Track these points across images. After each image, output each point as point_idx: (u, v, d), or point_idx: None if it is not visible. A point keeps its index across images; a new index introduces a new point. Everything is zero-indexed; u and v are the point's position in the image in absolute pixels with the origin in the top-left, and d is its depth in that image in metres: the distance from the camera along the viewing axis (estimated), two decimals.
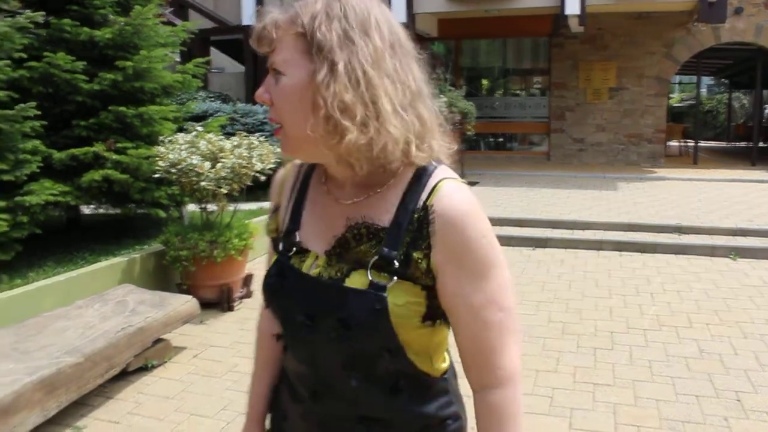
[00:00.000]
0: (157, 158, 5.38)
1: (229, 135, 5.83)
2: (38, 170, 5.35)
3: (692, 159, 15.94)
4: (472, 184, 11.70)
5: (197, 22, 7.41)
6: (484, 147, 16.69)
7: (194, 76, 6.92)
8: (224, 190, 5.20)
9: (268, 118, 1.24)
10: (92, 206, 6.65)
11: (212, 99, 10.33)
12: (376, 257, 1.13)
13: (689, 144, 18.20)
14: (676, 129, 18.86)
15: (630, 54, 14.82)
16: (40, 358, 3.51)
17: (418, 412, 1.23)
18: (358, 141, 1.08)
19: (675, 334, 4.92)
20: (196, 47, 8.58)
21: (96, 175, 5.59)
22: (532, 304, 5.63)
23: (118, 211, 6.55)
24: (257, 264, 6.99)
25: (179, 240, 5.36)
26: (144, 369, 4.36)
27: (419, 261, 1.13)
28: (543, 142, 16.19)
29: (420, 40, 15.68)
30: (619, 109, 15.11)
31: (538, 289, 6.09)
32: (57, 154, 5.60)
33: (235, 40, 11.92)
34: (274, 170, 6.51)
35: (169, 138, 5.60)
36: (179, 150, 5.26)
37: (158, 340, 4.44)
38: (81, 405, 3.85)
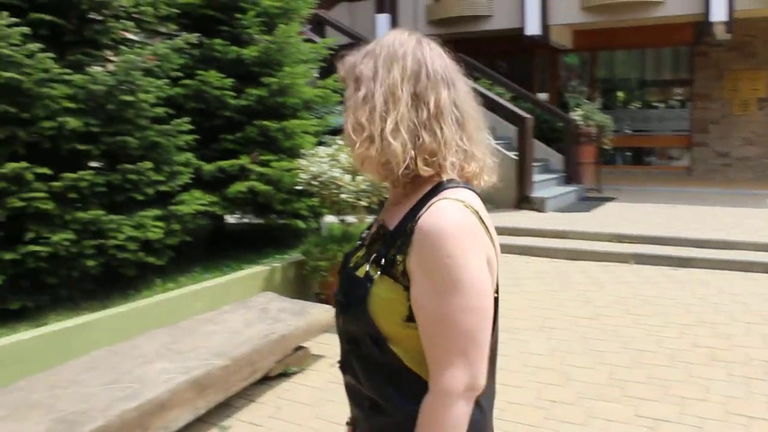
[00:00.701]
0: (298, 170, 5.57)
1: None
2: (190, 181, 5.67)
3: None
4: (608, 199, 11.34)
5: (335, 39, 7.60)
6: (620, 161, 16.14)
7: (334, 91, 7.12)
8: (363, 203, 5.31)
9: None
10: (236, 216, 6.95)
11: None
12: (375, 254, 1.37)
13: None
14: None
15: None
16: (192, 359, 3.70)
17: (409, 410, 1.33)
18: (368, 152, 1.34)
19: None
20: (331, 63, 8.78)
21: (241, 186, 5.85)
22: (675, 327, 5.36)
23: (260, 221, 6.83)
24: None
25: (319, 251, 5.51)
26: (284, 375, 4.51)
27: (399, 263, 1.31)
28: (683, 156, 15.47)
29: (554, 52, 15.41)
30: None
31: (682, 311, 5.80)
32: (206, 167, 5.90)
33: None
34: None
35: (311, 151, 5.79)
36: (320, 163, 5.41)
37: (298, 348, 4.58)
38: (226, 406, 4.02)
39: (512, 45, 14.69)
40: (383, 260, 1.35)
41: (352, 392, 1.49)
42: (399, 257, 1.31)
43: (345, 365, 1.49)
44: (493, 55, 16.10)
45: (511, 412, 3.92)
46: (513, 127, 11.15)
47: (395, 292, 1.32)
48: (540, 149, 11.87)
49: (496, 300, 1.38)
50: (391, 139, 1.32)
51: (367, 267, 1.38)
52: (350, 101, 1.38)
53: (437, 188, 1.36)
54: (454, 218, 1.28)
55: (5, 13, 4.23)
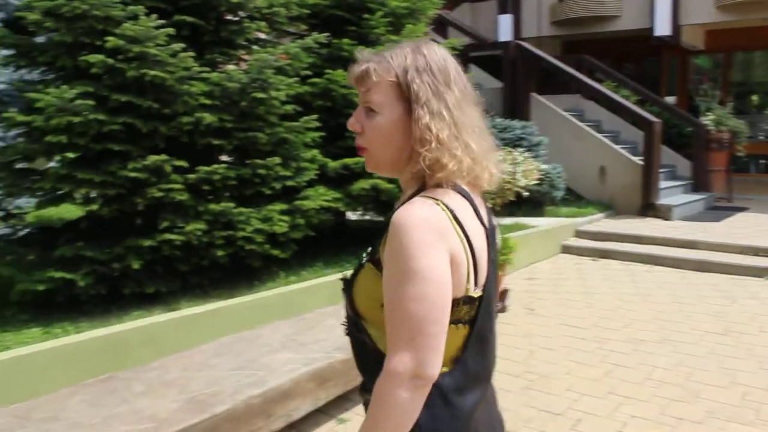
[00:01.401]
0: None
1: None
2: (315, 177, 5.80)
3: None
4: (739, 209, 10.72)
5: (459, 40, 7.58)
6: (754, 169, 15.21)
7: None
8: (488, 204, 5.24)
9: (356, 144, 1.50)
10: (358, 212, 7.05)
11: None
12: (371, 246, 1.48)
13: None
14: None
15: None
16: (315, 351, 3.78)
17: None
18: (449, 166, 1.40)
19: None
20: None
21: (365, 183, 5.93)
22: None
23: (381, 218, 6.89)
24: (513, 279, 6.99)
25: None
26: None
27: (379, 252, 1.42)
28: None
29: (684, 53, 14.75)
30: None
31: None
32: (331, 164, 6.02)
33: (492, 56, 12.05)
34: (539, 185, 6.49)
35: None
36: None
37: None
38: (345, 399, 4.07)
39: (639, 46, 14.18)
40: (371, 249, 1.48)
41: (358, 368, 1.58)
42: (380, 247, 1.42)
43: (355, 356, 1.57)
44: (619, 57, 15.57)
45: (633, 427, 3.77)
46: (639, 131, 10.75)
47: (375, 279, 1.41)
48: (667, 155, 11.37)
49: (481, 299, 1.43)
50: (467, 152, 1.44)
51: (366, 258, 1.49)
52: (423, 119, 1.42)
53: (424, 188, 1.44)
54: (419, 214, 1.34)
55: (153, 16, 4.47)
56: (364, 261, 1.48)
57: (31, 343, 3.95)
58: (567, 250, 8.68)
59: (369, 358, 1.46)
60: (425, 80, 1.42)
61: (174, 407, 3.03)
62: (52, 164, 4.90)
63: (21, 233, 5.90)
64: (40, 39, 4.94)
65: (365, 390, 1.48)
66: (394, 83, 1.43)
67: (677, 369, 4.61)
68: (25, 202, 6.82)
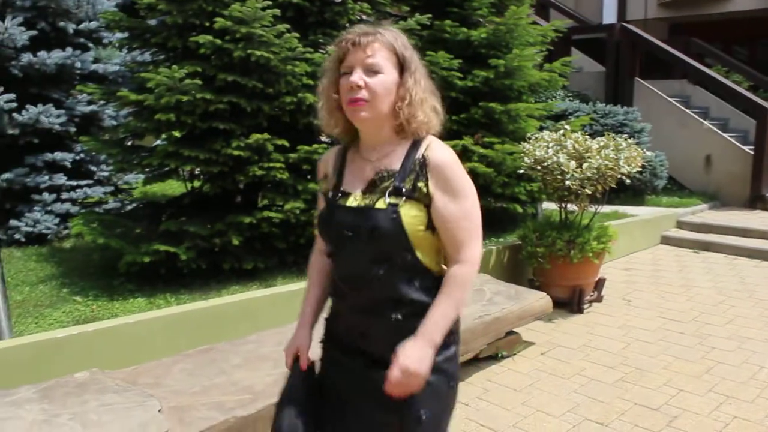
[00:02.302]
0: (522, 154, 5.49)
1: (589, 135, 5.72)
2: None
3: None
4: None
5: (561, 21, 7.39)
6: None
7: (561, 75, 6.93)
8: (588, 191, 5.12)
9: (356, 97, 1.79)
10: None
11: (571, 98, 10.26)
12: (391, 188, 1.82)
13: None
14: None
15: None
16: None
17: (425, 299, 1.85)
18: (421, 119, 1.84)
19: None
20: (557, 46, 8.56)
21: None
22: None
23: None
24: (610, 268, 6.81)
25: (537, 237, 5.41)
26: (494, 358, 4.49)
27: (422, 188, 1.81)
28: None
29: None
30: None
31: None
32: None
33: (595, 40, 11.70)
34: (641, 173, 6.27)
35: (535, 135, 5.68)
36: (546, 147, 5.30)
37: (510, 332, 4.54)
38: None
39: (755, 28, 13.44)
40: (404, 189, 1.81)
41: (370, 304, 1.89)
42: (420, 184, 1.81)
43: (360, 285, 1.88)
44: (730, 41, 14.83)
45: (736, 427, 3.61)
46: (750, 119, 10.22)
47: (419, 210, 1.81)
48: None
49: None
50: (432, 108, 1.89)
51: (386, 199, 1.81)
52: (409, 81, 1.83)
53: (419, 138, 1.88)
54: (450, 152, 1.87)
55: None
56: (395, 203, 1.80)
57: (137, 312, 4.13)
58: (667, 241, 8.36)
59: (414, 278, 1.85)
60: (412, 55, 1.86)
61: (269, 380, 3.10)
62: (158, 142, 5.09)
63: (129, 207, 6.17)
64: (152, 22, 5.12)
65: (395, 309, 1.85)
66: (393, 53, 1.82)
67: None
68: (133, 178, 7.13)
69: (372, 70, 1.79)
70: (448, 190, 1.81)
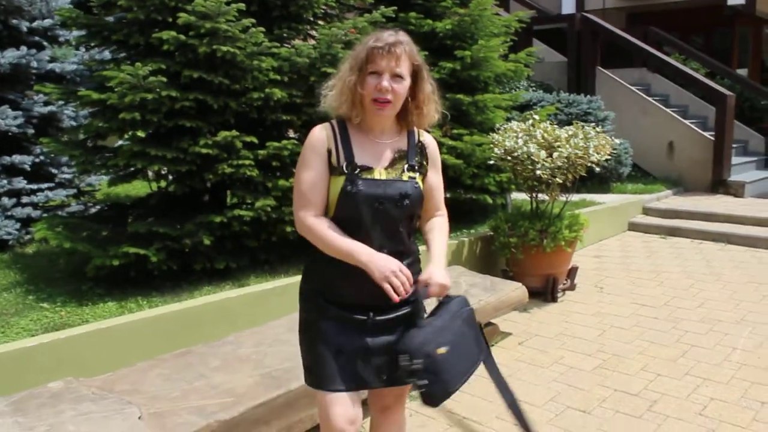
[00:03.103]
0: (491, 145, 5.48)
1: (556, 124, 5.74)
2: None
3: None
4: None
5: (523, 12, 7.40)
6: None
7: (525, 66, 6.94)
8: (559, 180, 5.13)
9: (384, 98, 2.16)
10: None
11: (534, 88, 10.31)
12: (407, 165, 2.28)
13: None
14: None
15: None
16: None
17: (415, 249, 2.38)
18: (429, 116, 2.31)
19: None
20: (520, 37, 8.58)
21: None
22: None
23: (447, 195, 6.82)
24: (581, 256, 6.85)
25: (509, 227, 5.41)
26: None
27: (425, 165, 2.34)
28: None
29: (758, 23, 14.23)
30: None
31: None
32: None
33: (555, 30, 11.77)
34: (606, 161, 6.31)
35: (504, 126, 5.67)
36: (515, 138, 5.29)
37: (487, 324, 4.53)
38: None
39: (709, 17, 13.68)
40: (416, 167, 2.30)
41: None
42: (424, 162, 2.34)
43: (385, 243, 2.22)
44: (687, 29, 15.05)
45: (714, 409, 3.65)
46: (708, 105, 10.38)
47: (422, 181, 2.32)
48: (739, 129, 10.89)
49: None
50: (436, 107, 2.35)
51: (407, 174, 2.26)
52: (426, 87, 2.27)
53: (413, 129, 2.34)
54: (433, 138, 2.43)
55: None
56: (414, 177, 2.27)
57: (108, 317, 4.02)
58: (634, 227, 8.46)
59: (412, 234, 2.36)
60: (422, 62, 2.24)
61: (251, 382, 3.04)
62: (121, 142, 4.96)
63: (93, 210, 6.02)
64: (110, 18, 4.99)
65: (404, 257, 2.26)
66: (411, 62, 2.19)
67: (758, 351, 4.45)
68: (96, 180, 6.96)
69: (397, 76, 2.15)
70: (435, 166, 2.40)
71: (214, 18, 4.38)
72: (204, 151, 4.48)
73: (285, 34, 5.29)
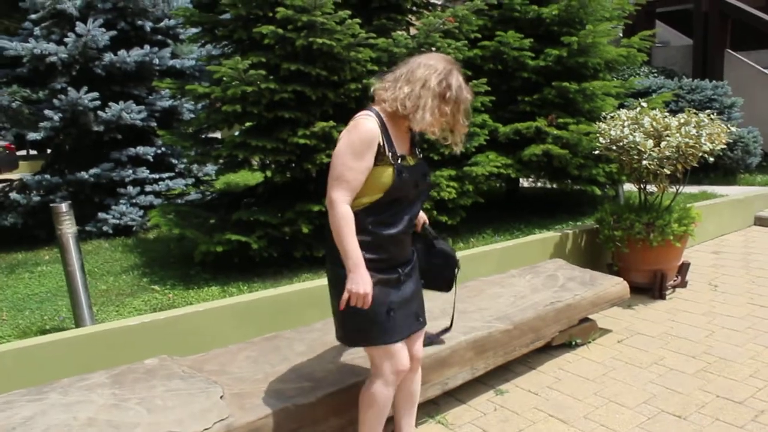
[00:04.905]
0: (597, 135, 5.29)
1: (674, 112, 5.46)
2: (485, 143, 5.69)
3: None
4: None
5: None
6: None
7: (639, 51, 6.65)
8: (667, 171, 4.88)
9: None
10: (530, 179, 6.87)
11: (655, 74, 9.84)
12: (417, 149, 2.70)
13: None
14: None
15: None
16: (475, 320, 3.72)
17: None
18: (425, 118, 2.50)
19: None
20: (639, 20, 8.20)
21: (536, 149, 5.73)
22: None
23: (554, 185, 6.66)
24: (696, 252, 6.51)
25: (614, 220, 5.22)
26: (567, 346, 4.36)
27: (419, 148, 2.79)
28: None
29: None
30: None
31: None
32: (502, 129, 5.88)
33: (682, 11, 11.19)
34: (731, 151, 5.98)
35: (611, 114, 5.47)
36: (621, 127, 5.09)
37: (584, 319, 4.39)
38: (505, 370, 4.00)
39: None
40: (419, 150, 2.74)
41: (409, 232, 2.69)
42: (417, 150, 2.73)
43: (412, 220, 2.66)
44: None
45: None
46: None
47: None
48: None
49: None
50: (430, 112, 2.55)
51: (419, 157, 2.68)
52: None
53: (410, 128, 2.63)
54: None
55: None
56: (421, 157, 2.70)
57: (210, 300, 4.22)
58: (762, 222, 7.93)
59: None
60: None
61: (331, 368, 3.11)
62: (236, 133, 5.17)
63: (209, 198, 6.32)
64: (225, 16, 5.20)
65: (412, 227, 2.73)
66: None
67: None
68: (212, 170, 7.31)
69: None
70: None
71: (311, 11, 4.47)
72: (302, 141, 4.59)
73: (386, 25, 5.32)
